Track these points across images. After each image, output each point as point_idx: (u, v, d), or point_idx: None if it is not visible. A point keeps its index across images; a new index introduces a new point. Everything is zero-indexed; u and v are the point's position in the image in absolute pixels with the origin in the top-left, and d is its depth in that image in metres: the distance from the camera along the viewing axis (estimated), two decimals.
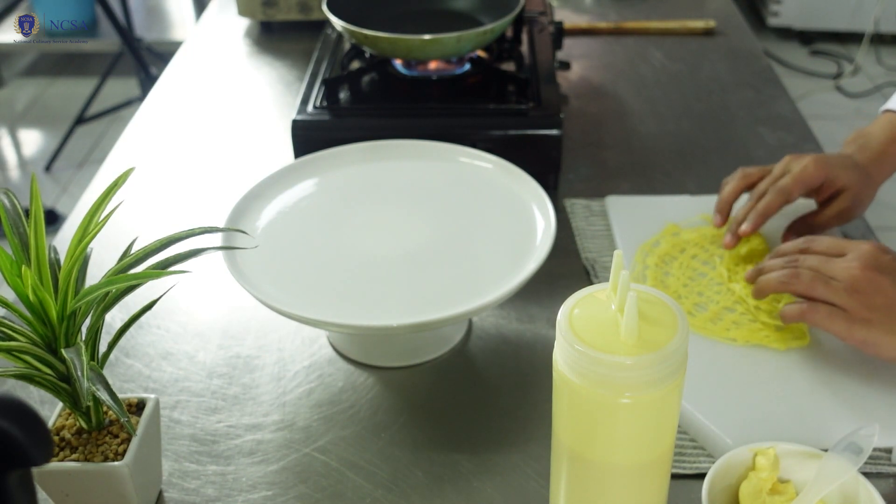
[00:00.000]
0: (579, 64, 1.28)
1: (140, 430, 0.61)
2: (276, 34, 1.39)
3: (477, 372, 0.77)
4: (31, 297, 0.56)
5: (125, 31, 2.47)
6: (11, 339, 0.57)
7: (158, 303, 0.64)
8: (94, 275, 0.60)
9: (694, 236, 0.89)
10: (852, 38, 3.05)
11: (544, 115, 0.95)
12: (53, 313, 0.57)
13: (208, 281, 0.88)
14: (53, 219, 2.28)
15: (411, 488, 0.66)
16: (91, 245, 0.59)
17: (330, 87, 1.00)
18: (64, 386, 0.59)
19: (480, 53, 1.08)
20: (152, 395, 0.65)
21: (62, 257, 0.59)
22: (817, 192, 0.85)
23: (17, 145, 2.79)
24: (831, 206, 0.84)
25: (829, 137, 1.89)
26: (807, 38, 3.11)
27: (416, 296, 0.72)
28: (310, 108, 0.98)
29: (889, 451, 0.67)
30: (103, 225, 0.58)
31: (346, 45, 1.12)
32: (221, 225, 0.78)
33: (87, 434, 0.62)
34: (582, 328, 0.50)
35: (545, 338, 0.80)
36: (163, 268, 0.59)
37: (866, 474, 0.64)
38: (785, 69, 2.94)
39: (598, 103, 1.18)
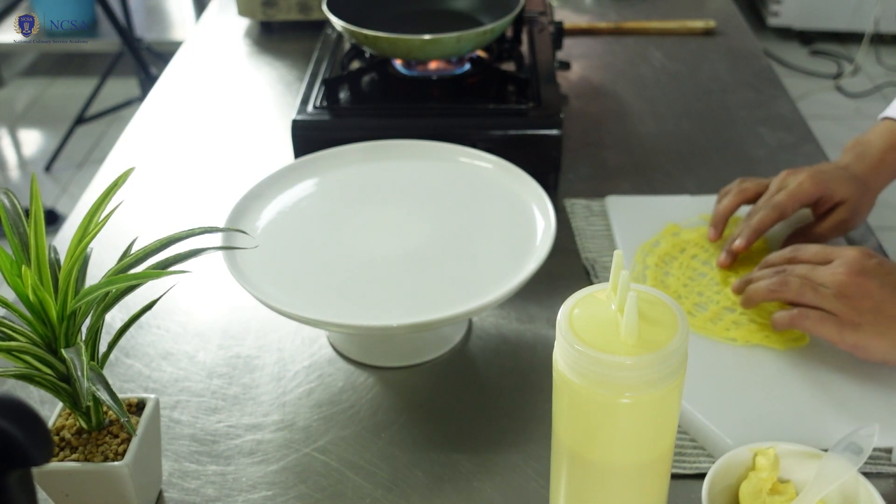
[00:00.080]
0: (579, 64, 1.28)
1: (140, 430, 0.61)
2: (276, 34, 1.39)
3: (477, 372, 0.77)
4: (31, 297, 0.56)
5: (125, 31, 2.47)
6: (11, 339, 0.57)
7: (158, 303, 0.64)
8: (94, 275, 0.60)
9: (694, 236, 0.89)
10: (852, 38, 3.05)
11: (544, 115, 0.95)
12: (53, 313, 0.57)
13: (208, 281, 0.88)
14: (53, 219, 2.28)
15: (411, 488, 0.66)
16: (91, 245, 0.59)
17: (330, 87, 1.00)
18: (64, 386, 0.59)
19: (480, 53, 1.08)
20: (152, 395, 0.65)
21: (62, 257, 0.59)
22: (815, 205, 0.85)
23: (17, 145, 2.79)
24: (829, 219, 0.84)
25: (829, 137, 1.89)
26: (807, 38, 3.11)
27: (416, 296, 0.72)
28: (310, 108, 0.98)
29: (889, 451, 0.67)
30: (103, 225, 0.58)
31: (346, 45, 1.12)
32: (221, 225, 0.78)
33: (87, 434, 0.62)
34: (582, 328, 0.50)
35: (545, 338, 0.80)
36: (163, 268, 0.59)
37: (866, 474, 0.64)
38: (785, 69, 2.94)
39: (598, 103, 1.18)
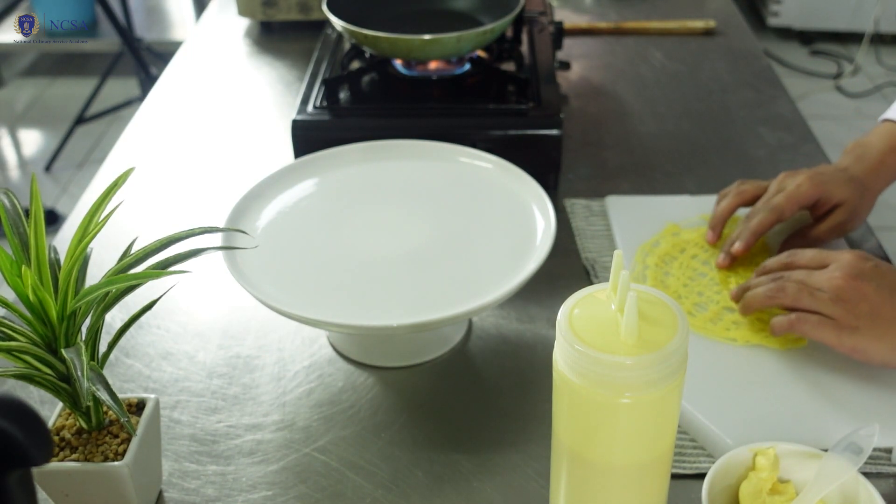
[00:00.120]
0: (579, 64, 1.28)
1: (140, 430, 0.61)
2: (276, 34, 1.39)
3: (477, 372, 0.77)
4: (31, 297, 0.56)
5: (125, 31, 2.47)
6: (11, 339, 0.57)
7: (158, 303, 0.64)
8: (94, 275, 0.60)
9: (694, 236, 0.89)
10: (852, 38, 3.05)
11: (544, 115, 0.95)
12: (53, 313, 0.57)
13: (208, 281, 0.88)
14: (53, 219, 2.28)
15: (411, 488, 0.66)
16: (91, 245, 0.59)
17: (330, 87, 1.00)
18: (64, 386, 0.59)
19: (480, 53, 1.08)
20: (152, 395, 0.65)
21: (62, 257, 0.59)
22: (813, 207, 0.85)
23: (17, 145, 2.79)
24: (828, 221, 0.84)
25: (829, 137, 1.89)
26: (807, 38, 3.11)
27: (416, 296, 0.72)
28: (310, 108, 0.98)
29: (889, 451, 0.67)
30: (103, 225, 0.58)
31: (346, 45, 1.12)
32: (221, 225, 0.78)
33: (87, 434, 0.62)
34: (582, 328, 0.50)
35: (545, 338, 0.80)
36: (163, 268, 0.59)
37: (866, 474, 0.64)
38: (785, 69, 2.94)
39: (598, 103, 1.18)
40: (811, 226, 0.85)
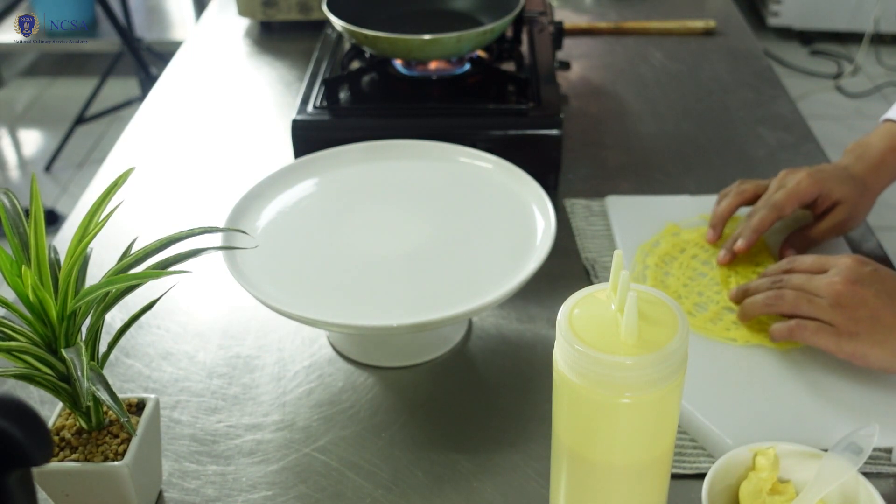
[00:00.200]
0: (579, 64, 1.28)
1: (140, 430, 0.61)
2: (276, 34, 1.39)
3: (477, 372, 0.77)
4: (31, 297, 0.56)
5: (125, 31, 2.47)
6: (11, 339, 0.57)
7: (158, 303, 0.64)
8: (94, 275, 0.60)
9: (694, 236, 0.89)
10: (852, 38, 3.05)
11: (544, 115, 0.95)
12: (53, 313, 0.57)
13: (208, 281, 0.88)
14: (53, 219, 2.28)
15: (411, 488, 0.66)
16: (91, 245, 0.59)
17: (330, 87, 1.00)
18: (64, 386, 0.59)
19: (480, 53, 1.08)
20: (152, 395, 0.65)
21: (62, 257, 0.59)
22: (813, 205, 0.85)
23: (17, 145, 2.79)
24: (827, 219, 0.84)
25: (829, 137, 1.89)
26: (807, 38, 3.11)
27: (416, 296, 0.72)
28: (310, 108, 0.98)
29: (889, 451, 0.67)
30: (103, 225, 0.58)
31: (346, 45, 1.12)
32: (221, 225, 0.78)
33: (87, 434, 0.62)
34: (582, 328, 0.50)
35: (545, 338, 0.80)
36: (163, 268, 0.59)
37: (866, 474, 0.64)
38: (785, 69, 2.94)
39: (598, 103, 1.18)
40: (811, 224, 0.85)
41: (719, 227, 0.87)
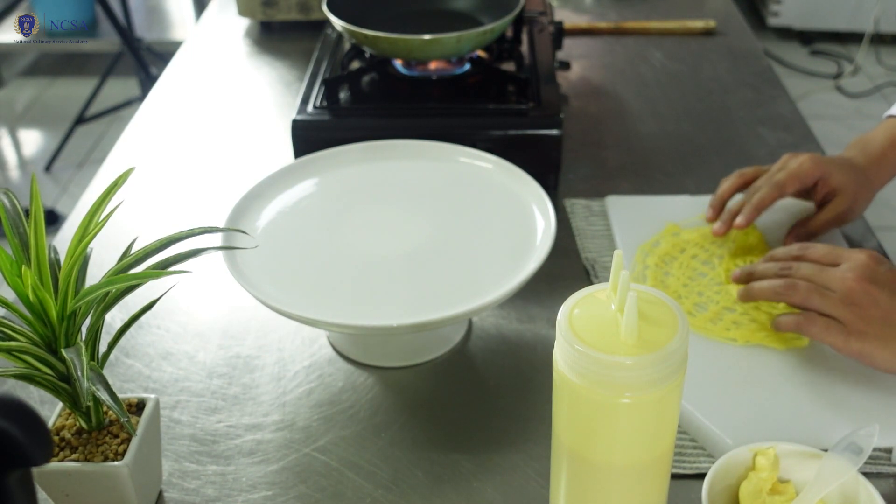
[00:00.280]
0: (579, 64, 1.28)
1: (140, 430, 0.61)
2: (276, 34, 1.39)
3: (477, 372, 0.77)
4: (31, 297, 0.56)
5: (125, 31, 2.47)
6: (11, 339, 0.57)
7: (158, 303, 0.64)
8: (94, 275, 0.60)
9: (694, 236, 0.89)
10: (852, 38, 3.05)
11: (544, 115, 0.95)
12: (53, 313, 0.57)
13: (208, 281, 0.88)
14: (53, 219, 2.28)
15: (411, 488, 0.66)
16: (91, 245, 0.59)
17: (330, 87, 1.00)
18: (64, 386, 0.59)
19: (480, 53, 1.08)
20: (152, 395, 0.65)
21: (62, 257, 0.59)
22: (813, 191, 0.85)
23: (17, 145, 2.79)
24: (827, 209, 0.85)
25: (829, 137, 1.89)
26: (807, 38, 3.11)
27: (416, 296, 0.72)
28: (310, 108, 0.98)
29: (889, 451, 0.67)
30: (103, 225, 0.58)
31: (346, 45, 1.12)
32: (221, 225, 0.78)
33: (87, 434, 0.62)
34: (582, 328, 0.50)
35: (545, 338, 0.80)
36: (163, 268, 0.59)
37: (866, 474, 0.64)
38: (785, 69, 2.94)
39: (598, 103, 1.18)
40: (812, 215, 0.85)
41: (718, 208, 0.88)
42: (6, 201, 0.60)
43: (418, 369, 0.78)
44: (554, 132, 0.95)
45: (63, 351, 0.56)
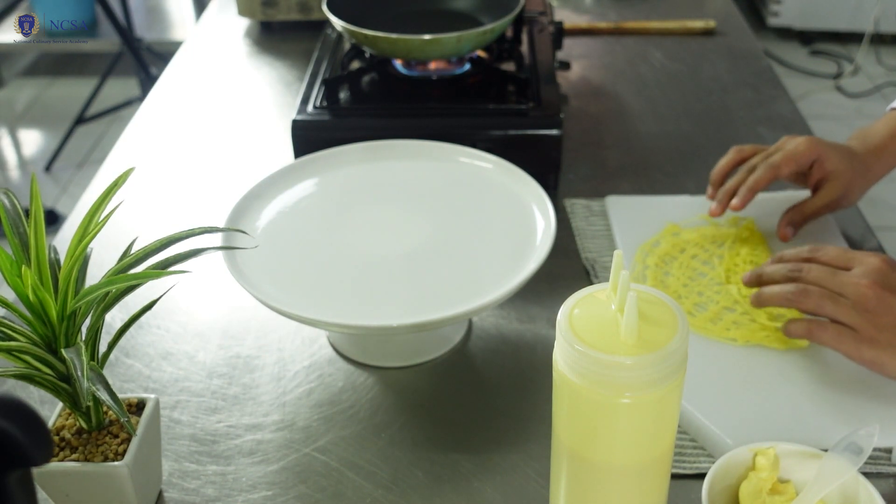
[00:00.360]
0: (579, 64, 1.28)
1: (140, 430, 0.61)
2: (276, 34, 1.39)
3: (477, 372, 0.77)
4: (31, 297, 0.56)
5: (125, 31, 2.47)
6: (11, 339, 0.57)
7: (158, 303, 0.64)
8: (94, 275, 0.60)
9: (694, 236, 0.89)
10: (852, 38, 3.05)
11: (544, 115, 0.95)
12: (53, 313, 0.57)
13: (208, 281, 0.88)
14: (53, 219, 2.28)
15: (411, 488, 0.66)
16: (91, 245, 0.59)
17: (330, 87, 1.00)
18: (64, 386, 0.59)
19: (480, 53, 1.08)
20: (152, 395, 0.65)
21: (62, 257, 0.59)
22: (808, 175, 0.85)
23: (17, 145, 2.79)
24: (821, 194, 0.85)
25: (828, 137, 1.89)
26: (807, 38, 3.11)
27: (416, 296, 0.72)
28: (310, 108, 0.98)
29: (889, 451, 0.67)
30: (103, 225, 0.58)
31: (346, 45, 1.12)
32: (221, 225, 0.78)
33: (87, 434, 0.62)
34: (582, 328, 0.50)
35: (545, 338, 0.80)
36: (163, 268, 0.59)
37: (866, 474, 0.64)
38: (785, 69, 2.94)
39: (598, 103, 1.18)
40: (806, 200, 0.86)
41: (718, 183, 0.88)
42: (6, 201, 0.60)
43: (418, 369, 0.78)
44: (554, 132, 0.95)
45: (63, 351, 0.56)
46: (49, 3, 2.84)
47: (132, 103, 2.64)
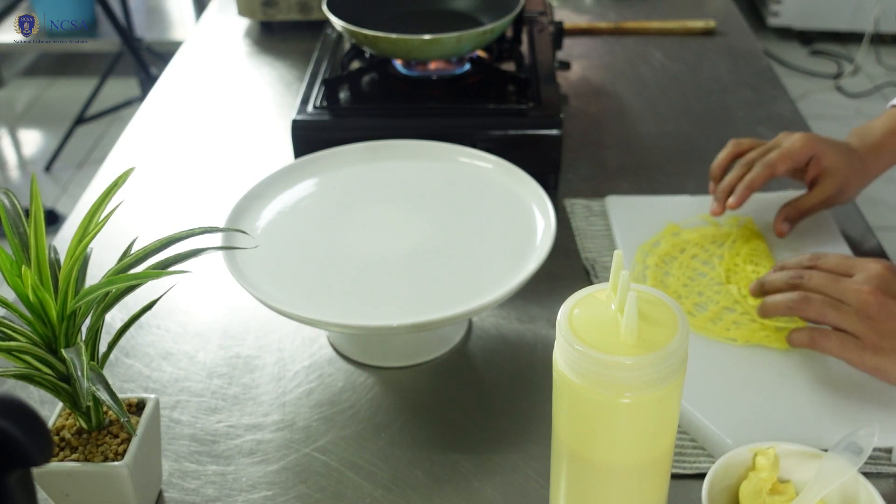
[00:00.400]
0: (579, 64, 1.28)
1: (140, 430, 0.61)
2: (276, 34, 1.39)
3: (477, 372, 0.77)
4: (31, 297, 0.56)
5: (125, 31, 2.47)
6: (11, 339, 0.57)
7: (158, 303, 0.64)
8: (94, 275, 0.60)
9: (694, 236, 0.89)
10: (852, 38, 3.05)
11: (544, 115, 0.95)
12: (53, 313, 0.57)
13: (208, 281, 0.88)
14: (53, 219, 2.28)
15: (411, 488, 0.66)
16: (91, 245, 0.59)
17: (330, 87, 1.00)
18: (64, 386, 0.59)
19: (480, 53, 1.08)
20: (152, 395, 0.65)
21: (62, 257, 0.59)
22: (804, 171, 0.85)
23: (17, 145, 2.79)
24: (817, 190, 0.85)
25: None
26: (807, 38, 3.11)
27: (416, 296, 0.72)
28: (310, 108, 0.98)
29: (889, 451, 0.67)
30: (103, 225, 0.58)
31: (346, 45, 1.12)
32: (221, 225, 0.78)
33: (87, 434, 0.62)
34: (582, 328, 0.50)
35: (545, 338, 0.80)
36: (163, 268, 0.59)
37: (866, 474, 0.63)
38: (785, 69, 2.94)
39: (598, 103, 1.18)
40: (802, 195, 0.86)
41: (718, 177, 0.88)
42: (6, 201, 0.60)
43: (418, 369, 0.78)
44: (554, 132, 0.95)
45: (63, 351, 0.56)
46: (49, 3, 2.84)
47: (132, 103, 2.64)
